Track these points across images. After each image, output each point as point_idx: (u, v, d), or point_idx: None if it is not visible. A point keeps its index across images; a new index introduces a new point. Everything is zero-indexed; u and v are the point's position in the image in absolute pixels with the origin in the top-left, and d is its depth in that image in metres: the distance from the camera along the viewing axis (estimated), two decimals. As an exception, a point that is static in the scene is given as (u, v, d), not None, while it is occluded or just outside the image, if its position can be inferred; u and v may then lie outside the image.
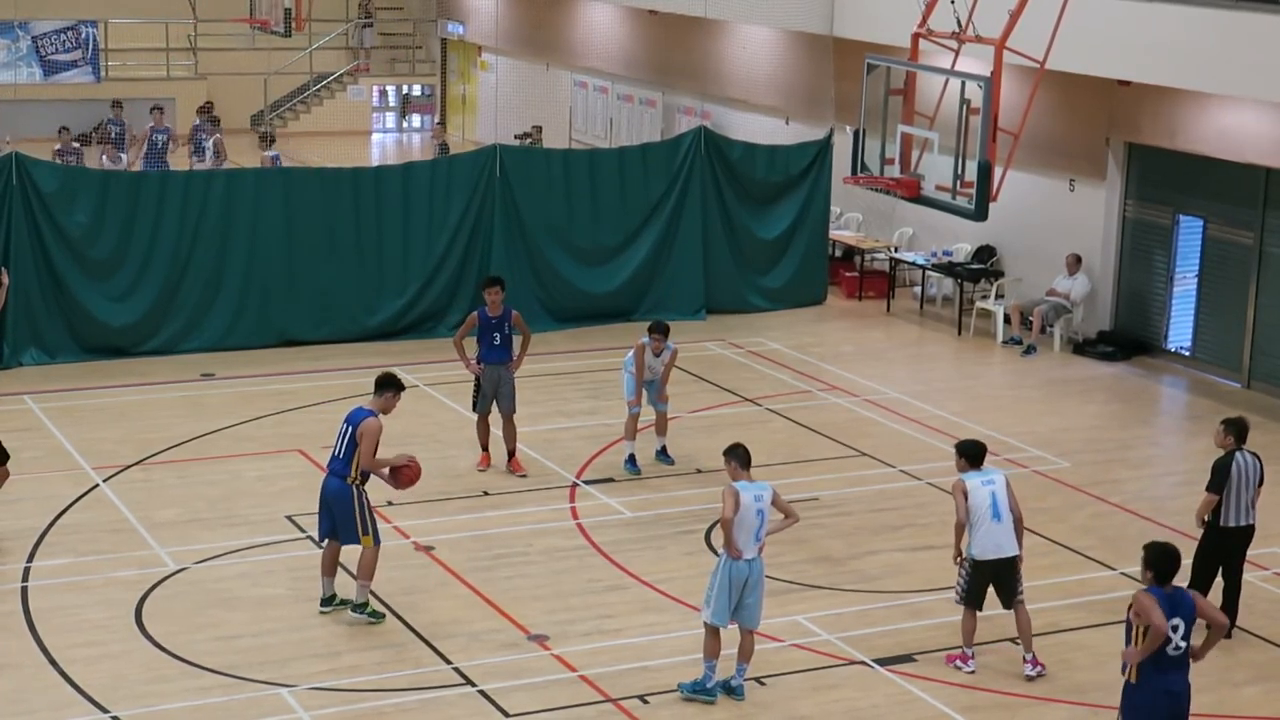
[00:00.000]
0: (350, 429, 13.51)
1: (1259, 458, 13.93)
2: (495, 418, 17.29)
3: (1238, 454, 13.75)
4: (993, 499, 12.92)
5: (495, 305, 16.88)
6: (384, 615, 13.85)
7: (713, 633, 12.49)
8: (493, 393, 17.03)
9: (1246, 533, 13.90)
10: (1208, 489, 13.74)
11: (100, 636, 13.40)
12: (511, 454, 17.29)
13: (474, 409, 17.30)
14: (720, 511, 12.37)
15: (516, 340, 17.33)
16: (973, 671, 13.14)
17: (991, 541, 12.92)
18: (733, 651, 12.65)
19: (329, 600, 13.95)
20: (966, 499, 12.95)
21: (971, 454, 13.22)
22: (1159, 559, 10.66)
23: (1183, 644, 10.53)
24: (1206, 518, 13.86)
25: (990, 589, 13.11)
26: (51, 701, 12.35)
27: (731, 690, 12.64)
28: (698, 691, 12.53)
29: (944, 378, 21.77)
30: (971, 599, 13.12)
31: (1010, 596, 13.12)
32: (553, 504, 16.61)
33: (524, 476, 17.16)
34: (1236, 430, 13.84)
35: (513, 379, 17.10)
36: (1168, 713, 10.54)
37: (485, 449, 17.41)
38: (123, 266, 21.26)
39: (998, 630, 13.74)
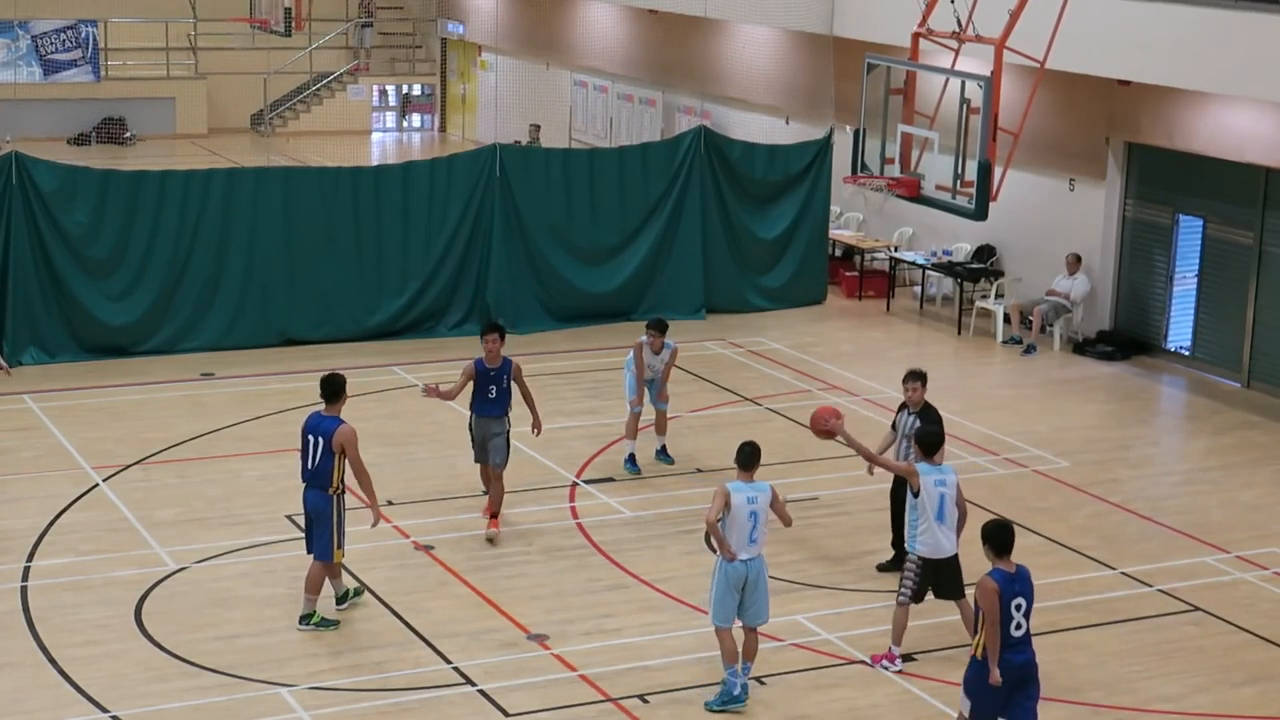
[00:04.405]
0: (322, 440, 13.33)
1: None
2: None
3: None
4: (941, 500, 12.96)
5: (494, 355, 15.30)
6: (338, 622, 13.72)
7: (724, 636, 12.38)
8: (481, 443, 15.60)
9: None
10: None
11: (100, 636, 13.40)
12: (494, 514, 15.64)
13: (475, 459, 15.98)
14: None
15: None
16: (900, 670, 13.13)
17: (934, 540, 12.98)
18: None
19: (342, 598, 13.97)
20: (917, 496, 13.02)
21: (927, 444, 13.26)
22: (996, 532, 10.95)
23: (1024, 621, 10.86)
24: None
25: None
26: (51, 701, 12.35)
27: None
28: (728, 704, 12.38)
29: (944, 377, 21.74)
30: (918, 596, 13.19)
31: (956, 592, 13.19)
32: (552, 503, 16.61)
33: (490, 539, 15.51)
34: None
35: (505, 433, 15.51)
36: (1010, 680, 10.87)
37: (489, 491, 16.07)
38: (122, 266, 21.26)
39: (997, 630, 13.76)
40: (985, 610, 10.79)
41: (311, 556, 13.71)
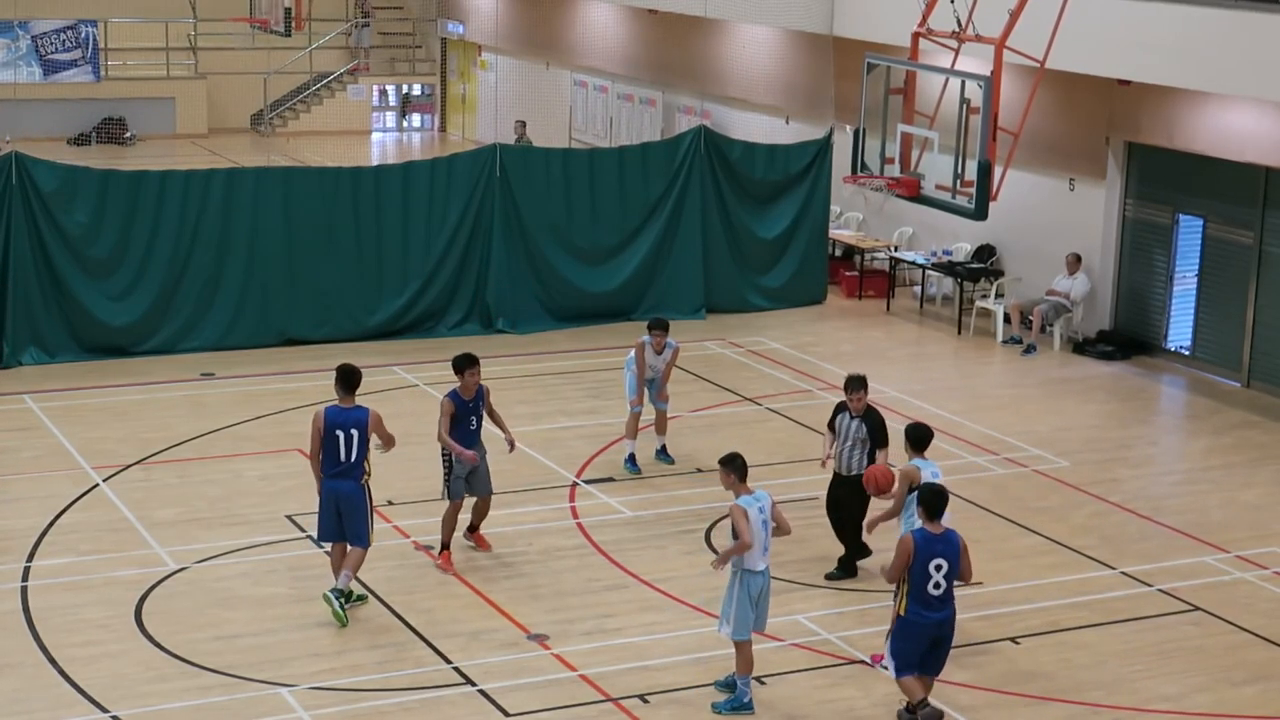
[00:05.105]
0: (357, 432, 13.52)
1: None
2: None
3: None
4: None
5: (470, 388, 14.66)
6: (366, 596, 14.08)
7: (746, 649, 12.39)
8: (466, 474, 14.79)
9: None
10: (885, 446, 14.49)
11: (100, 636, 13.40)
12: (474, 528, 15.33)
13: (447, 495, 14.83)
14: (734, 532, 12.18)
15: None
16: None
17: None
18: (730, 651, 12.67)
19: (347, 597, 13.99)
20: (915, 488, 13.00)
21: (917, 439, 13.34)
22: (929, 497, 11.67)
23: (944, 582, 11.56)
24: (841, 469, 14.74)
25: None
26: (51, 701, 12.35)
27: (729, 687, 12.65)
28: (738, 710, 12.40)
29: (944, 377, 21.77)
30: None
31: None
32: (553, 503, 16.61)
33: (484, 550, 15.29)
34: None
35: (485, 460, 14.93)
36: (930, 637, 11.67)
37: (448, 545, 14.94)
38: (122, 266, 21.26)
39: (998, 629, 13.75)
40: (894, 558, 11.64)
41: (326, 550, 14.09)
